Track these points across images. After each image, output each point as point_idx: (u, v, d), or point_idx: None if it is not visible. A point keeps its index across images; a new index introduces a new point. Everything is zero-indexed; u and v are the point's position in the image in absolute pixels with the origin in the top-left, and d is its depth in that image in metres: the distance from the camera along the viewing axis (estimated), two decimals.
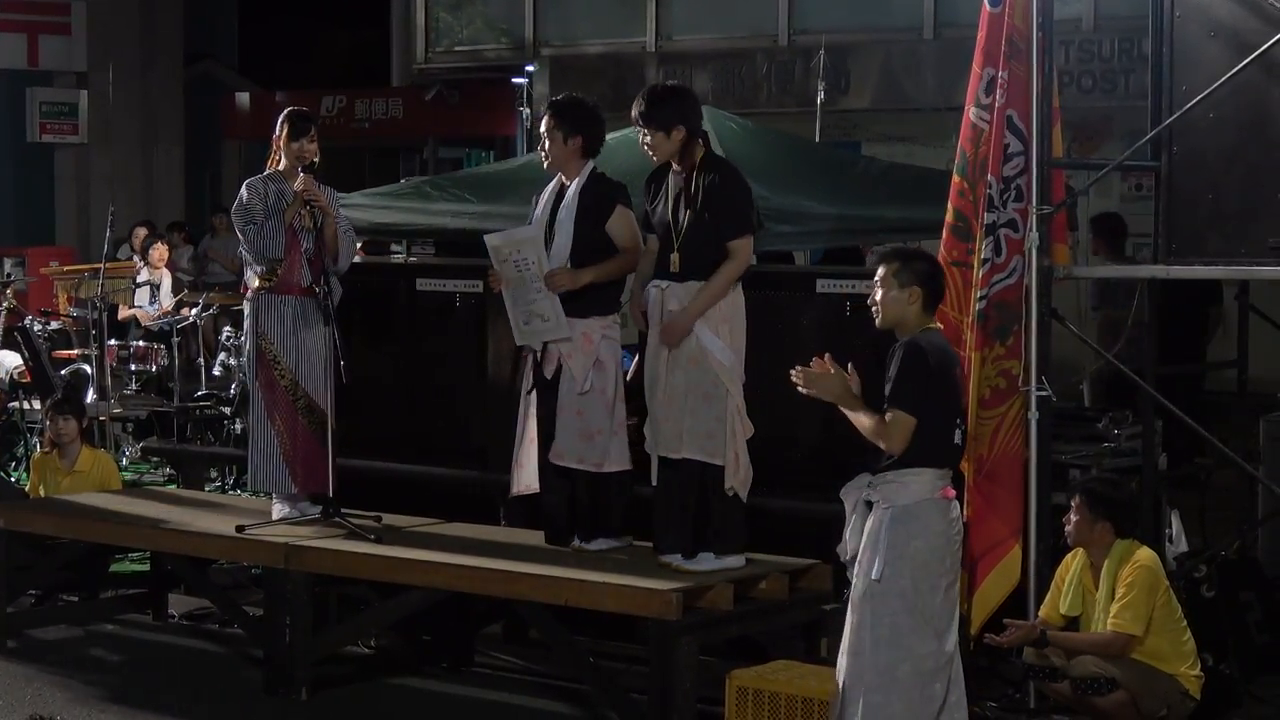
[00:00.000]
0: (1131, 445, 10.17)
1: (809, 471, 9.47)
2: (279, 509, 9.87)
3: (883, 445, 7.31)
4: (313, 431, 9.71)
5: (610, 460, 9.00)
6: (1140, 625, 8.28)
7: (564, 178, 9.11)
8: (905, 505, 7.33)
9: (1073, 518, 8.54)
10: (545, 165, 9.21)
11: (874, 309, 7.59)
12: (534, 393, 9.19)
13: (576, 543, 9.11)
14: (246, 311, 9.97)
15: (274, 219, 9.65)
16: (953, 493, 7.46)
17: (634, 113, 8.74)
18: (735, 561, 8.64)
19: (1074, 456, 10.01)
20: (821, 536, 8.60)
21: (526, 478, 9.24)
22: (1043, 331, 8.65)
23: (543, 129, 9.06)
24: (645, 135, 8.69)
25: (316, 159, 9.77)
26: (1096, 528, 8.47)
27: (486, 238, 9.16)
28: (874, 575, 7.35)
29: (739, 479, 8.56)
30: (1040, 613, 8.60)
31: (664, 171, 8.79)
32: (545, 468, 9.13)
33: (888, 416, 7.28)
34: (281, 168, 9.80)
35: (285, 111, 9.90)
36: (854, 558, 7.48)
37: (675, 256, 8.58)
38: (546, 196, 9.18)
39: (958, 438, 7.48)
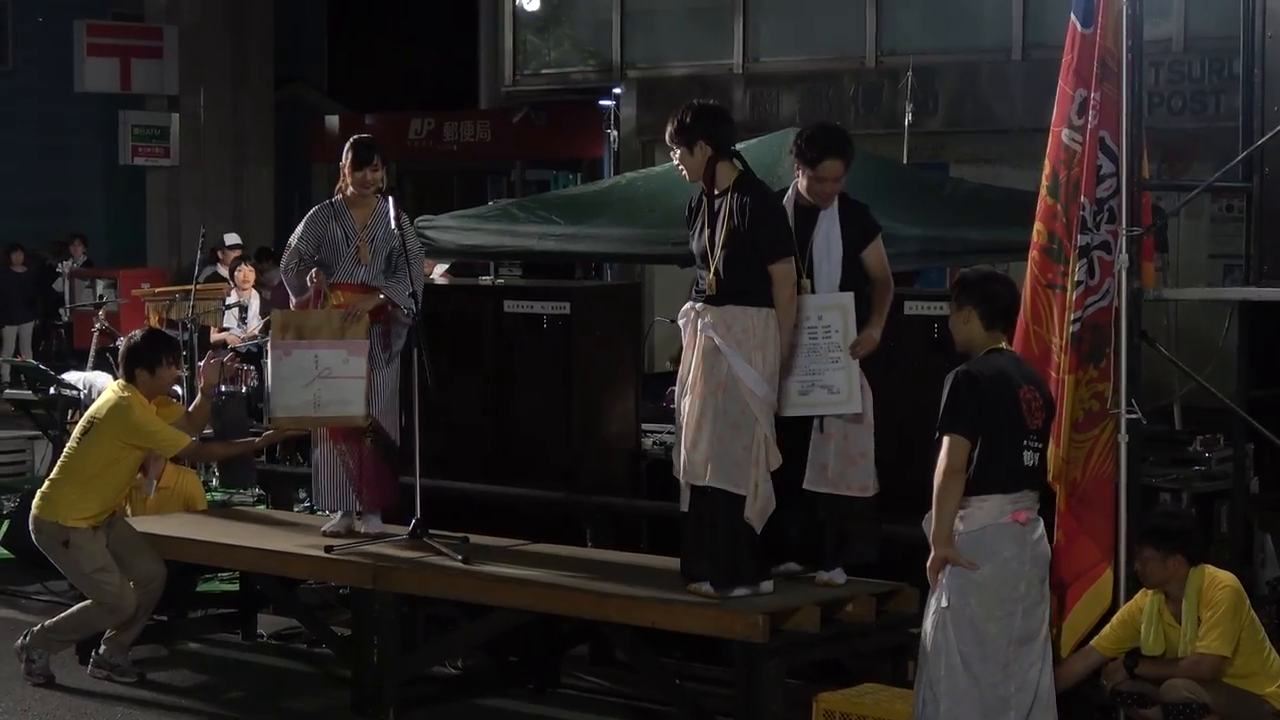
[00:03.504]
0: (1223, 468, 10.08)
1: (895, 494, 9.41)
2: (334, 521, 10.02)
3: (947, 475, 7.24)
4: (375, 450, 9.77)
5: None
6: (1229, 646, 8.21)
7: (819, 203, 8.71)
8: (970, 532, 7.29)
9: (1142, 562, 8.44)
10: (810, 193, 8.71)
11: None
12: None
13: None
14: None
15: (339, 258, 9.76)
16: (1026, 515, 7.36)
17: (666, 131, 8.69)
18: (765, 587, 8.47)
19: (1165, 479, 9.94)
20: (908, 559, 8.55)
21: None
22: (1133, 353, 8.58)
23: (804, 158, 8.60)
24: (674, 152, 8.64)
25: (383, 185, 9.83)
26: (1169, 563, 8.36)
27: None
28: (943, 603, 7.32)
29: (755, 509, 8.37)
30: (1096, 645, 8.50)
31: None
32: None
33: (943, 443, 7.25)
34: (348, 195, 9.87)
35: (350, 140, 9.96)
36: None
37: (711, 279, 8.44)
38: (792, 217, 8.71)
39: (1028, 459, 7.38)
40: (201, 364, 15.62)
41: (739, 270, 8.36)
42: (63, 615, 10.01)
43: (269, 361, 9.71)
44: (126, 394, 9.92)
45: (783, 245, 8.40)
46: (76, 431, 10.15)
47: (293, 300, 10.03)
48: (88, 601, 9.96)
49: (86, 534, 9.85)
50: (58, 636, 10.02)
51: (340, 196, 9.92)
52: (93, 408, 10.20)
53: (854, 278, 8.70)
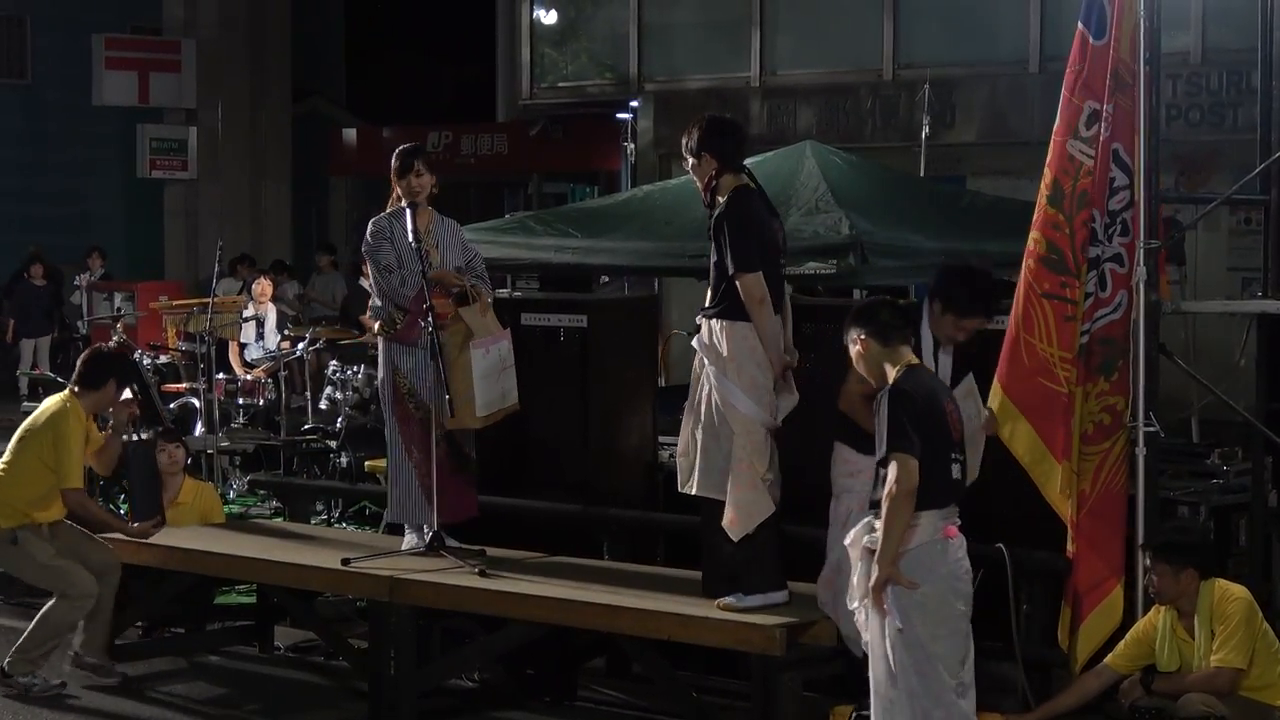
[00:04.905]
0: (1241, 481, 10.06)
1: None
2: (409, 540, 9.83)
3: (901, 496, 7.21)
4: (454, 462, 9.70)
5: None
6: (1244, 658, 8.21)
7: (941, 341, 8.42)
8: (908, 550, 7.26)
9: (1154, 578, 8.42)
10: (940, 332, 8.32)
11: None
12: None
13: None
14: (380, 348, 9.94)
15: (408, 266, 9.59)
16: (954, 531, 7.35)
17: None
18: (778, 598, 8.44)
19: (1183, 493, 9.91)
20: None
21: None
22: (1151, 367, 8.57)
23: None
24: (685, 163, 8.66)
25: (435, 190, 9.78)
26: (1181, 578, 8.35)
27: None
28: (897, 625, 7.28)
29: (728, 518, 8.35)
30: (1110, 663, 8.49)
31: None
32: None
33: (891, 462, 7.22)
34: (403, 205, 9.77)
35: (397, 149, 9.91)
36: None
37: (707, 291, 8.53)
38: None
39: (955, 472, 7.38)
40: (220, 377, 15.78)
41: (716, 283, 8.42)
42: (28, 631, 9.98)
43: (473, 363, 9.42)
44: (69, 404, 10.05)
45: (744, 258, 8.31)
46: (13, 441, 10.22)
47: (369, 308, 9.84)
48: (47, 605, 9.98)
49: (33, 528, 9.98)
50: (35, 651, 9.97)
51: (394, 205, 9.76)
52: (31, 418, 10.26)
53: None
